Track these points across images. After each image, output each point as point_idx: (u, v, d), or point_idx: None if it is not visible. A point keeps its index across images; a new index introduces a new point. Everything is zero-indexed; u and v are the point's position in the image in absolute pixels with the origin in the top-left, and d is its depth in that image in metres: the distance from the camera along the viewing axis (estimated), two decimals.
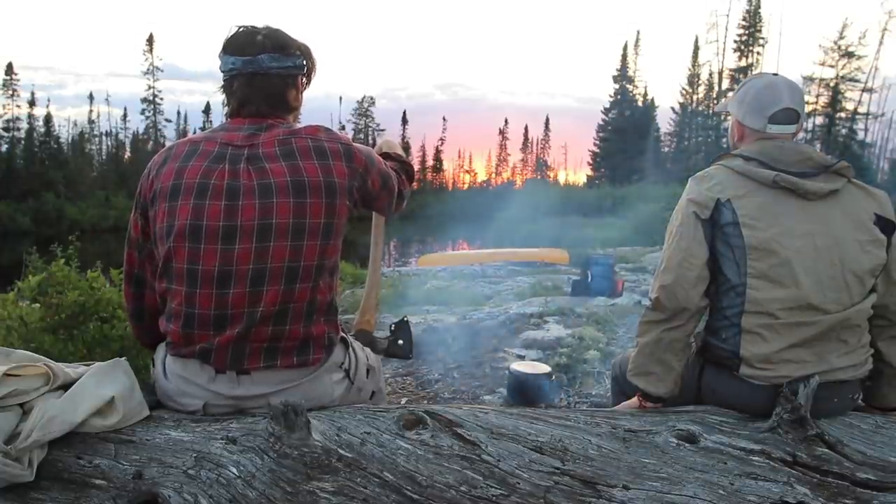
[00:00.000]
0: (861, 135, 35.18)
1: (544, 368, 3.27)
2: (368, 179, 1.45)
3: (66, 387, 1.34)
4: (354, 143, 1.45)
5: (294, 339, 1.37)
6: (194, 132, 52.13)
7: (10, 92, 39.25)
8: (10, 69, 39.39)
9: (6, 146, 38.63)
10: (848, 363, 1.48)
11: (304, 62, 1.46)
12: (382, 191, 1.51)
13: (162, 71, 47.62)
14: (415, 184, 1.73)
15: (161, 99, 45.69)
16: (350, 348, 1.54)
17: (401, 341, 1.94)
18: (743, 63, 38.50)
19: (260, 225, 1.30)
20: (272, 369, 1.37)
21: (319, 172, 1.35)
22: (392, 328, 1.97)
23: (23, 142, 38.89)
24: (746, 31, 38.32)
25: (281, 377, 1.39)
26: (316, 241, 1.33)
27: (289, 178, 1.32)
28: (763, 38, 38.30)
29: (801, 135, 1.63)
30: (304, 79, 1.49)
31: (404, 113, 60.92)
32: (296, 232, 1.31)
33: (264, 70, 1.39)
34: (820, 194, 1.46)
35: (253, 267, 1.30)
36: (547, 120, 62.72)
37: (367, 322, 1.93)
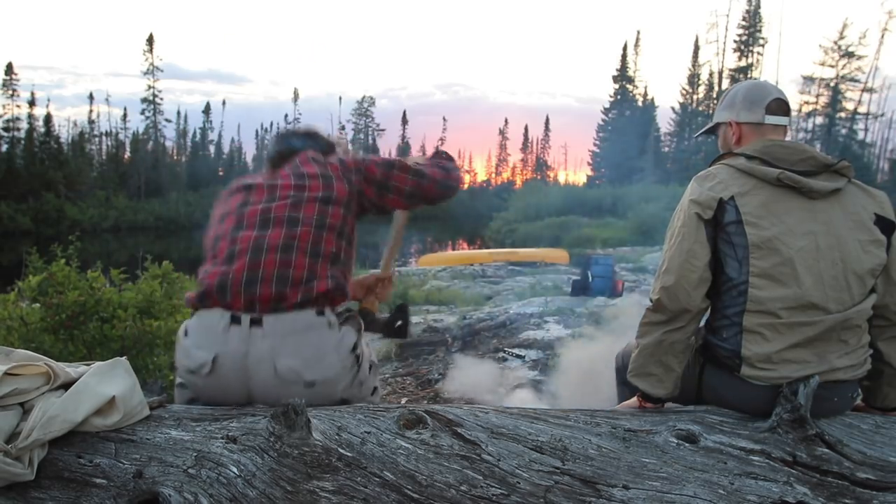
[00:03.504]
0: (861, 135, 35.20)
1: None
2: (364, 168, 1.72)
3: (66, 386, 1.34)
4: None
5: (300, 269, 1.51)
6: (194, 132, 52.28)
7: (10, 92, 39.23)
8: (10, 69, 39.38)
9: (6, 146, 38.60)
10: (848, 363, 1.48)
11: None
12: (389, 172, 1.72)
13: (162, 71, 47.62)
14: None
15: (161, 99, 45.69)
16: (360, 328, 1.64)
17: (399, 322, 1.99)
18: (743, 63, 38.50)
19: (270, 189, 1.67)
20: (280, 312, 1.48)
21: (317, 169, 1.71)
22: (392, 311, 2.02)
23: (23, 142, 38.86)
24: (746, 32, 38.31)
25: (288, 325, 1.48)
26: (314, 204, 1.62)
27: (292, 172, 1.71)
28: (763, 38, 38.31)
29: (801, 135, 1.65)
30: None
31: (404, 113, 61.12)
32: (296, 195, 1.63)
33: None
34: (823, 193, 1.46)
35: (260, 218, 1.60)
36: (547, 120, 62.81)
37: (371, 303, 2.01)
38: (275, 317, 1.48)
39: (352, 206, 1.68)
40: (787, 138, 1.63)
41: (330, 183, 1.65)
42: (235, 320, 1.48)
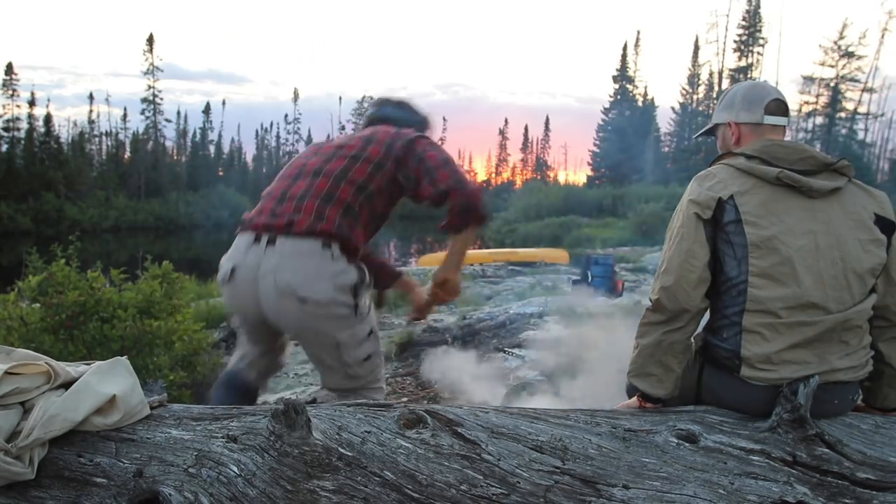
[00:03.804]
0: (861, 135, 35.20)
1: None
2: (415, 144, 1.84)
3: (67, 385, 1.34)
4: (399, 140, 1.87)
5: (310, 208, 1.75)
6: (194, 132, 52.32)
7: (10, 92, 39.19)
8: (9, 69, 39.36)
9: (6, 146, 38.55)
10: (848, 364, 1.47)
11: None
12: (415, 155, 1.82)
13: (162, 71, 47.52)
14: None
15: (161, 99, 45.61)
16: (364, 279, 1.81)
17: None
18: (743, 63, 38.48)
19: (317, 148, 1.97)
20: (291, 237, 1.72)
21: (369, 133, 1.91)
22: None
23: (23, 142, 38.82)
24: (746, 32, 38.30)
25: (295, 247, 1.71)
26: (344, 160, 1.82)
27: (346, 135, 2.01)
28: (763, 38, 38.28)
29: (801, 135, 1.65)
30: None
31: None
32: (334, 152, 1.86)
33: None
34: (823, 192, 1.46)
35: (296, 171, 1.88)
36: (547, 120, 62.91)
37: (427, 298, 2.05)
38: (286, 238, 1.72)
39: (385, 167, 1.82)
40: (787, 138, 1.64)
41: (367, 144, 1.84)
42: (257, 240, 1.76)
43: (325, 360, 1.85)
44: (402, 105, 2.09)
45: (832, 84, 34.33)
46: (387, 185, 1.83)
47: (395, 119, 2.01)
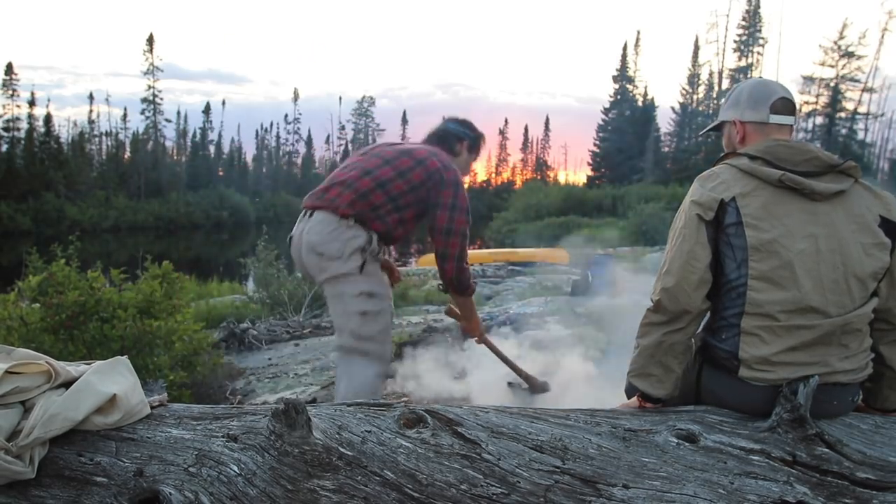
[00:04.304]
0: (861, 135, 35.20)
1: None
2: (445, 185, 2.30)
3: (67, 385, 1.34)
4: (446, 175, 2.33)
5: (345, 196, 2.24)
6: (194, 132, 52.30)
7: (10, 92, 39.18)
8: (9, 69, 39.34)
9: (6, 146, 38.51)
10: (848, 367, 1.47)
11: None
12: (440, 199, 2.30)
13: (162, 71, 47.51)
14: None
15: (161, 99, 45.58)
16: (371, 244, 2.24)
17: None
18: (743, 63, 38.48)
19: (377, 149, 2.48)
20: (322, 211, 2.26)
21: (424, 155, 2.36)
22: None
23: (23, 142, 38.79)
24: (746, 31, 38.29)
25: (322, 217, 2.25)
26: (392, 171, 2.29)
27: (404, 147, 2.44)
28: (763, 38, 38.29)
29: (801, 135, 1.64)
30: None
31: (404, 113, 61.18)
32: (386, 161, 2.32)
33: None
34: (826, 195, 1.45)
35: (350, 165, 2.39)
36: (547, 120, 62.73)
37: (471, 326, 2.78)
38: (319, 212, 2.27)
39: (419, 192, 2.28)
40: (798, 136, 1.62)
41: (416, 167, 2.29)
42: (304, 214, 2.34)
43: (335, 312, 2.32)
44: (463, 123, 2.62)
45: (832, 84, 34.33)
46: (415, 203, 2.30)
47: (454, 132, 2.55)
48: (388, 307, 2.31)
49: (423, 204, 2.30)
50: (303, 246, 2.28)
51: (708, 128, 1.79)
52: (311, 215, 2.29)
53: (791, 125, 1.60)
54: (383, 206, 2.24)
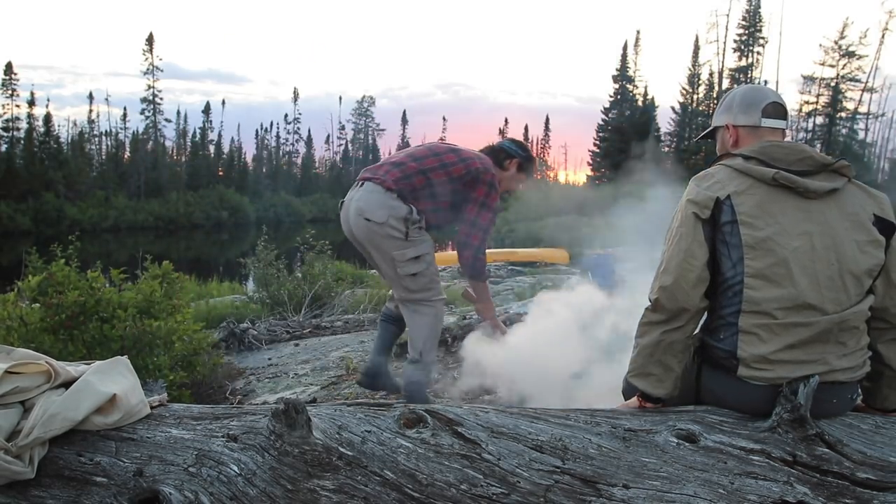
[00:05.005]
0: (861, 135, 35.16)
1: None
2: (479, 184, 2.61)
3: (67, 385, 1.34)
4: (483, 177, 2.63)
5: (392, 174, 2.54)
6: (194, 132, 52.29)
7: (10, 92, 39.15)
8: (9, 68, 39.32)
9: (6, 146, 38.48)
10: (846, 365, 1.47)
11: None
12: (473, 194, 2.62)
13: (162, 71, 47.53)
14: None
15: (161, 99, 45.53)
16: (412, 215, 2.49)
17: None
18: (743, 63, 38.42)
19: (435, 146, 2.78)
20: (371, 182, 2.55)
21: (468, 154, 2.68)
22: None
23: (22, 142, 38.78)
24: (746, 31, 38.25)
25: (371, 188, 2.53)
26: (436, 162, 2.59)
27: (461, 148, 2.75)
28: (763, 38, 38.21)
29: (801, 135, 1.65)
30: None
31: (404, 112, 61.20)
32: (435, 154, 2.63)
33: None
34: (820, 193, 1.46)
35: (405, 153, 2.72)
36: (547, 120, 62.86)
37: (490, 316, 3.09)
38: (368, 183, 2.55)
39: (456, 185, 2.57)
40: (798, 137, 1.63)
41: (459, 162, 2.58)
42: (356, 184, 2.62)
43: (387, 273, 2.62)
44: (519, 144, 2.88)
45: (832, 84, 34.30)
46: (451, 194, 2.57)
47: (507, 149, 2.80)
48: (432, 259, 2.63)
49: (459, 196, 2.59)
50: (351, 210, 2.55)
51: (702, 134, 1.82)
52: (362, 185, 2.57)
53: (783, 129, 1.62)
54: (422, 191, 2.53)
